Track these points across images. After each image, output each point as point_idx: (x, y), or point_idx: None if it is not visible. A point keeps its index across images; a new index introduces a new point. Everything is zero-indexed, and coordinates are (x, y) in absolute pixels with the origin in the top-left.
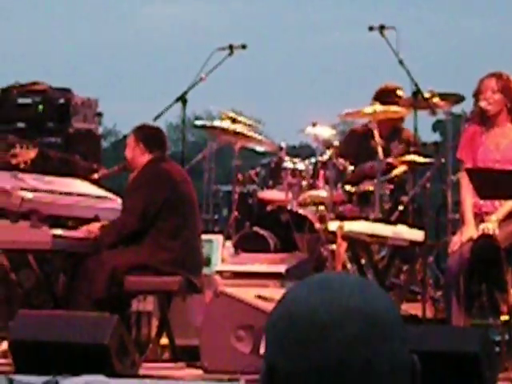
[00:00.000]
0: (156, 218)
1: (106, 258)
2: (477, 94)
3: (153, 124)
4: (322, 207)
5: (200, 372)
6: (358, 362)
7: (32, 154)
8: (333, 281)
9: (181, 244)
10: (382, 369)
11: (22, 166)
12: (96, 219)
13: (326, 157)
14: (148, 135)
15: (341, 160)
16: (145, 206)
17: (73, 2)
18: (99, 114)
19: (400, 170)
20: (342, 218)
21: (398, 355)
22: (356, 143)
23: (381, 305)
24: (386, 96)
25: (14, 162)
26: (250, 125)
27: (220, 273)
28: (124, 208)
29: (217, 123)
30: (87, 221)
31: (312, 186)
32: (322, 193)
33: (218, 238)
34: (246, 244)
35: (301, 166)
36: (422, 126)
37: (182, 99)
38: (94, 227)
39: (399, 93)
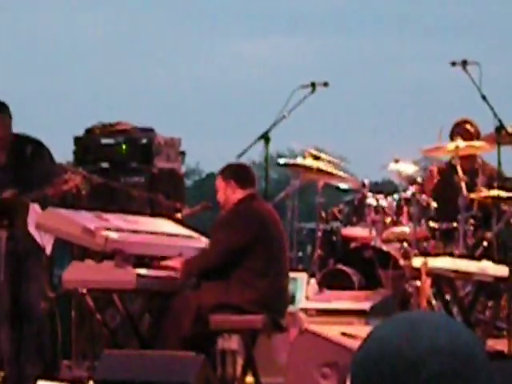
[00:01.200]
0: (243, 258)
1: (191, 296)
2: None
3: (239, 162)
4: (405, 244)
5: None
6: None
7: (78, 179)
8: (418, 320)
9: (268, 284)
10: None
11: (73, 191)
12: (180, 258)
13: (409, 193)
14: (237, 172)
15: (424, 196)
16: (228, 244)
17: (154, 42)
18: (182, 153)
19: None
20: (426, 254)
21: None
22: (440, 180)
23: (466, 343)
24: (456, 131)
25: (65, 188)
26: (332, 162)
27: (304, 310)
28: (210, 243)
29: (299, 161)
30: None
31: (395, 223)
32: (406, 229)
33: (302, 276)
34: (330, 281)
35: (384, 202)
36: (505, 160)
37: (265, 137)
38: (177, 262)
39: (467, 126)
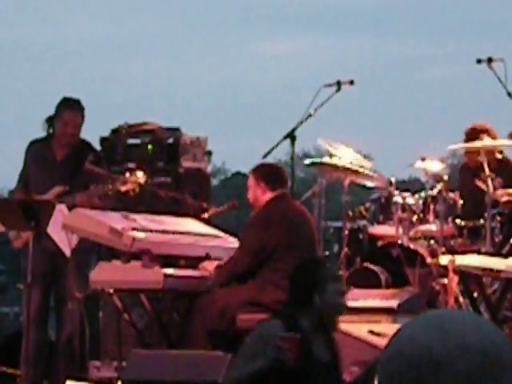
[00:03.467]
0: (273, 259)
1: (217, 295)
2: None
3: (271, 162)
4: (432, 241)
5: None
6: None
7: (141, 179)
8: (446, 318)
9: None
10: None
11: (131, 193)
12: (207, 257)
13: (435, 191)
14: (268, 173)
15: (451, 194)
16: (259, 246)
17: (181, 42)
18: (209, 153)
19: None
20: (453, 251)
21: None
22: (470, 177)
23: (494, 342)
24: (475, 136)
25: (123, 188)
26: (359, 160)
27: None
28: (240, 245)
29: (326, 159)
30: (198, 259)
31: (422, 221)
32: (433, 227)
33: None
34: (358, 280)
35: (411, 200)
36: None
37: (291, 136)
38: (210, 265)
39: (483, 136)
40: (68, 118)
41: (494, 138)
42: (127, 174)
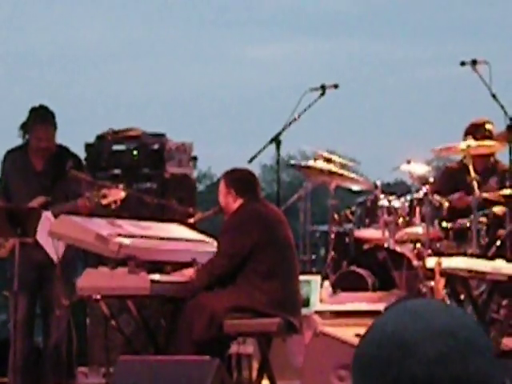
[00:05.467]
0: (249, 260)
1: (204, 301)
2: None
3: (243, 168)
4: (418, 244)
5: None
6: (444, 378)
7: (122, 193)
8: (416, 306)
9: (277, 285)
10: None
11: (112, 206)
12: (194, 263)
13: (421, 193)
14: (238, 180)
15: (436, 196)
16: (234, 248)
17: (163, 47)
18: (194, 158)
19: (500, 208)
20: (439, 254)
21: (485, 373)
22: (452, 180)
23: (465, 324)
24: (475, 131)
25: (104, 202)
26: (344, 164)
27: (319, 313)
28: (217, 250)
29: (311, 163)
30: (185, 265)
31: (408, 224)
32: (419, 230)
33: (315, 279)
34: (344, 283)
35: (396, 203)
36: None
37: (276, 140)
38: (189, 272)
39: (488, 127)
40: (40, 133)
41: (490, 133)
42: (107, 189)
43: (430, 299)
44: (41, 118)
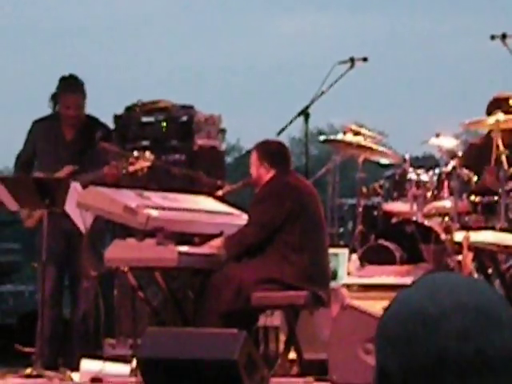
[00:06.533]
0: (280, 231)
1: (231, 273)
2: None
3: (275, 139)
4: (447, 218)
5: None
6: (470, 351)
7: (148, 162)
8: (440, 280)
9: (306, 257)
10: (496, 358)
11: (139, 173)
12: (221, 235)
13: (450, 167)
14: (271, 152)
15: (465, 170)
16: (266, 218)
17: (192, 19)
18: (223, 131)
19: None
20: (467, 228)
21: (510, 347)
22: (476, 155)
23: (490, 299)
24: (498, 106)
25: (131, 169)
26: (373, 137)
27: (347, 286)
28: (248, 220)
29: (340, 137)
30: (213, 237)
31: (437, 197)
32: (447, 203)
33: (343, 252)
34: (372, 257)
35: (425, 177)
36: None
37: (305, 113)
38: (217, 242)
39: (497, 111)
40: (69, 101)
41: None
42: (135, 155)
43: (456, 273)
44: (70, 87)
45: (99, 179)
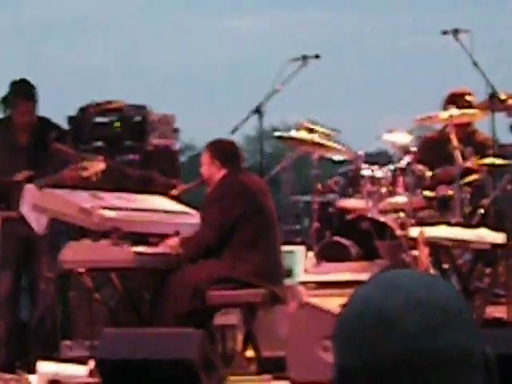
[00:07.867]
0: (233, 230)
1: (187, 273)
2: None
3: (226, 138)
4: (402, 214)
5: (287, 383)
6: (428, 349)
7: (101, 165)
8: (396, 277)
9: (260, 255)
10: (455, 354)
11: (93, 178)
12: (177, 235)
13: (403, 163)
14: (222, 151)
15: (419, 166)
16: (222, 219)
17: (144, 18)
18: (176, 130)
19: (474, 176)
20: (422, 223)
21: (467, 344)
22: (431, 150)
23: (445, 293)
24: (453, 101)
25: (84, 174)
26: (326, 134)
27: (303, 283)
28: (202, 222)
29: (294, 134)
30: (168, 237)
31: (391, 193)
32: (402, 199)
33: (299, 249)
34: (328, 253)
35: (379, 173)
36: (499, 128)
37: (258, 111)
38: (174, 242)
39: (468, 98)
40: (23, 108)
41: (469, 104)
42: (86, 162)
43: (412, 270)
44: (23, 93)
45: (59, 182)
